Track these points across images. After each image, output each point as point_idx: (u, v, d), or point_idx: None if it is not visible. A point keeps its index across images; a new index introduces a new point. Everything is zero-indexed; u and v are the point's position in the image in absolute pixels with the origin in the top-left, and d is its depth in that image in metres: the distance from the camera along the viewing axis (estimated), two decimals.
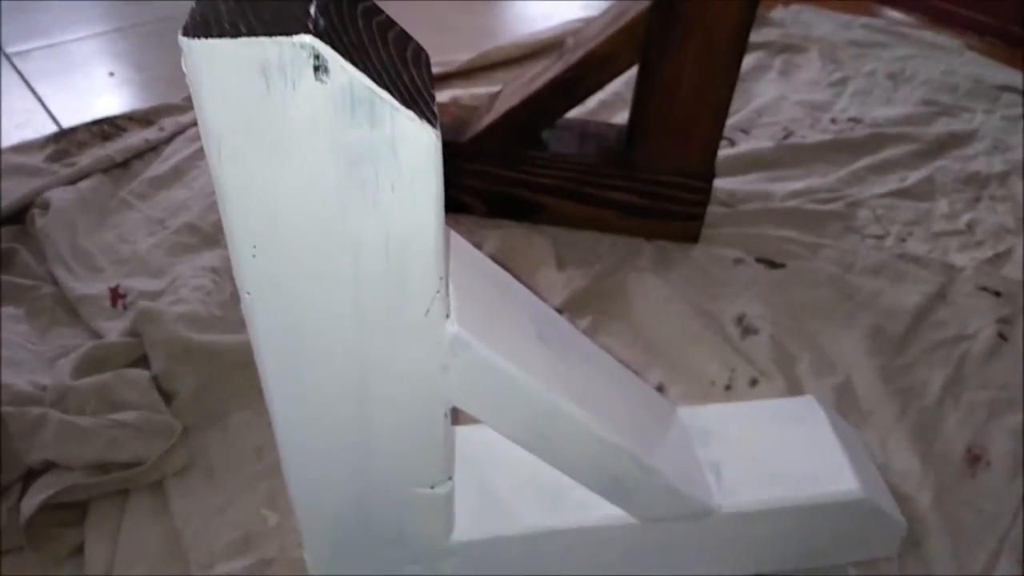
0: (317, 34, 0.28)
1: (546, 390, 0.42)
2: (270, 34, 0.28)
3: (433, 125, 0.31)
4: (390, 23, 0.35)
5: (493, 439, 0.46)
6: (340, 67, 0.28)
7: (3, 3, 1.32)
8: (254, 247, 0.33)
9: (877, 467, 0.60)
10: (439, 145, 0.31)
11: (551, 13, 1.37)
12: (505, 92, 0.86)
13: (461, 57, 1.16)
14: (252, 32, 0.28)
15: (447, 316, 0.37)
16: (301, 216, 0.32)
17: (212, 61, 0.28)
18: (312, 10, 0.29)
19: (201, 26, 0.28)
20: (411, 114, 0.30)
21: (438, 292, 0.36)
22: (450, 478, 0.45)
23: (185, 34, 0.28)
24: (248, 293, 0.34)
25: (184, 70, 0.29)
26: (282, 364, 0.38)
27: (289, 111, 0.29)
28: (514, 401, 0.42)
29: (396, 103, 0.29)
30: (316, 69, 0.28)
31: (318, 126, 0.30)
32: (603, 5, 1.38)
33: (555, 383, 0.43)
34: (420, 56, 0.35)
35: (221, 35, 0.28)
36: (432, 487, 0.45)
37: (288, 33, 0.28)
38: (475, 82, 1.14)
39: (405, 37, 0.35)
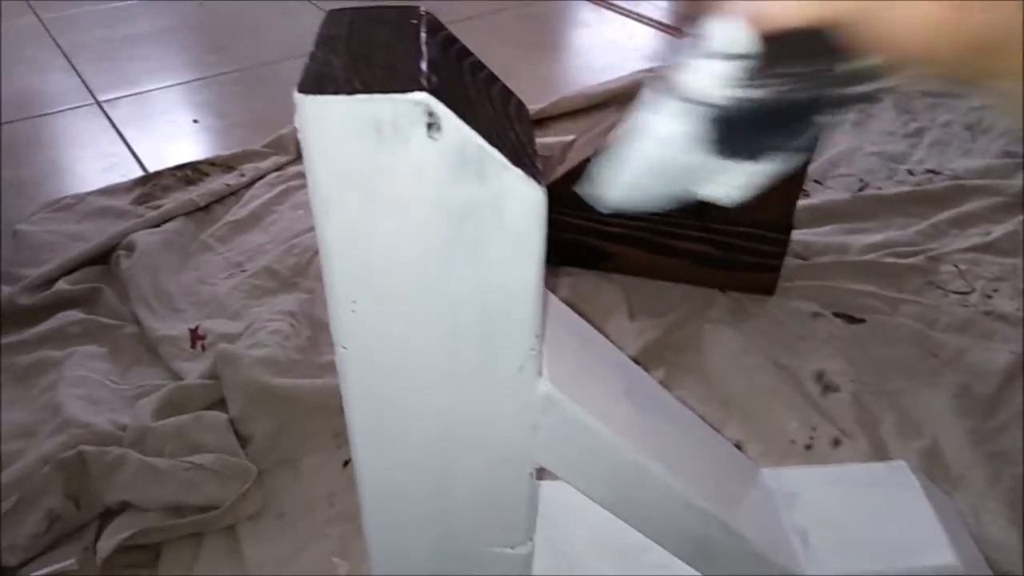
0: (431, 91, 0.28)
1: (634, 451, 0.41)
2: (385, 91, 0.28)
3: (539, 183, 0.30)
4: (493, 78, 0.35)
5: (570, 495, 0.44)
6: (453, 125, 0.28)
7: (98, 54, 1.39)
8: (354, 301, 0.33)
9: (972, 538, 0.57)
10: (545, 203, 0.31)
11: (617, 63, 1.38)
12: (579, 142, 0.86)
13: (529, 106, 1.18)
14: (367, 89, 0.28)
15: (540, 374, 0.37)
16: (403, 271, 0.32)
17: (326, 118, 0.28)
18: (424, 66, 0.29)
19: (315, 83, 0.29)
20: (519, 172, 0.30)
21: (533, 350, 0.35)
22: (531, 539, 0.44)
23: (301, 90, 0.28)
24: (344, 347, 0.34)
25: (296, 124, 0.29)
26: (371, 416, 0.38)
27: (399, 167, 0.29)
28: (601, 462, 0.41)
29: (506, 161, 0.29)
30: (429, 126, 0.28)
31: (427, 182, 0.30)
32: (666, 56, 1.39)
33: (643, 444, 0.42)
34: (522, 112, 0.35)
35: (336, 92, 0.28)
36: (512, 547, 0.44)
37: (403, 90, 0.28)
38: (546, 131, 1.15)
39: (507, 92, 0.35)
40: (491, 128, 0.30)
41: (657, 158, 0.33)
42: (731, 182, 0.34)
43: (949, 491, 0.65)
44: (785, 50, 0.29)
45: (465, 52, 0.34)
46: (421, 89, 0.28)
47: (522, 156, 0.31)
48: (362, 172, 0.29)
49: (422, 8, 0.33)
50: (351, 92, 0.28)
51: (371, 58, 0.30)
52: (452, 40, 0.34)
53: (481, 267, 0.32)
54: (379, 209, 0.30)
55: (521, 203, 0.31)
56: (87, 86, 1.29)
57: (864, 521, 0.52)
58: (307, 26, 0.33)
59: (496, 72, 0.36)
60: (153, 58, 1.39)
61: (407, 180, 0.30)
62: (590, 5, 1.63)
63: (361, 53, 0.30)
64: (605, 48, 1.46)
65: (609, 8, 1.61)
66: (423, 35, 0.32)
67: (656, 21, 1.55)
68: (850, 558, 0.50)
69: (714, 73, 0.30)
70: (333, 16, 0.33)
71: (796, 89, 0.30)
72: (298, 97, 0.28)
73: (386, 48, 0.30)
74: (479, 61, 0.34)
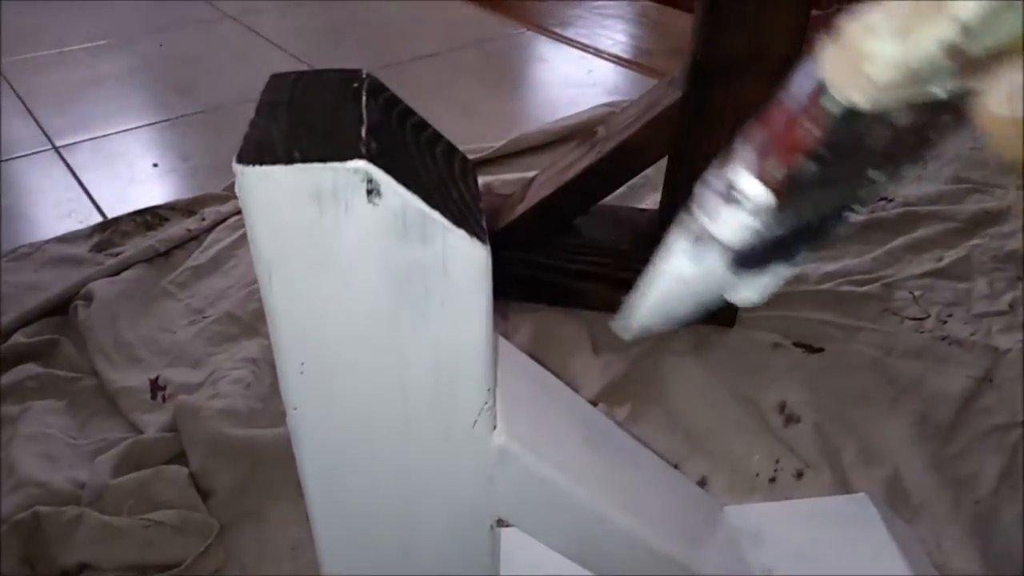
0: (370, 158, 0.28)
1: (594, 500, 0.41)
2: (324, 160, 0.28)
3: (483, 241, 0.31)
4: (437, 137, 0.35)
5: (533, 543, 0.44)
6: (392, 190, 0.29)
7: (57, 98, 1.38)
8: (302, 364, 0.33)
9: (935, 567, 0.58)
10: (489, 260, 0.31)
11: (576, 98, 1.40)
12: (539, 180, 0.87)
13: (488, 143, 1.19)
14: (306, 158, 0.28)
15: (494, 427, 0.37)
16: (350, 334, 0.32)
17: (266, 187, 0.29)
18: (363, 132, 0.30)
19: (255, 152, 0.29)
20: (463, 232, 0.30)
21: (486, 403, 0.35)
22: None
23: (240, 160, 0.28)
24: (295, 408, 0.34)
25: (237, 193, 0.29)
26: (326, 477, 0.37)
27: (341, 234, 0.29)
28: (562, 512, 0.41)
29: (447, 223, 0.30)
30: (369, 192, 0.29)
31: (370, 247, 0.30)
32: (628, 91, 1.41)
33: (603, 491, 0.42)
34: (467, 168, 0.35)
35: (275, 162, 0.28)
36: None
37: (342, 159, 0.28)
38: (506, 168, 1.15)
39: (451, 150, 0.35)
40: (433, 189, 0.30)
41: (681, 292, 0.33)
42: (758, 285, 0.34)
43: (911, 519, 0.66)
44: (806, 194, 0.29)
45: (408, 112, 0.34)
46: (360, 157, 0.28)
47: (466, 215, 0.31)
48: (305, 238, 0.29)
49: (364, 71, 0.34)
50: (290, 161, 0.28)
51: (311, 125, 0.30)
52: (395, 101, 0.34)
53: (429, 327, 0.32)
54: (323, 273, 0.31)
55: (465, 262, 0.31)
56: (44, 131, 1.28)
57: (828, 557, 0.53)
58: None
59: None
60: (113, 101, 1.39)
61: (350, 245, 0.30)
62: (549, 40, 1.66)
63: (301, 120, 0.30)
64: (564, 83, 1.48)
65: (567, 43, 1.64)
66: (364, 99, 0.32)
67: (614, 55, 1.58)
68: None
69: (737, 220, 0.30)
70: (275, 80, 0.34)
71: (822, 208, 0.30)
72: (237, 167, 0.28)
73: (327, 114, 0.31)
74: (422, 121, 0.35)
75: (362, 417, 0.35)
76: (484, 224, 0.32)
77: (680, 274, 0.33)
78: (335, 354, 0.32)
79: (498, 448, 0.37)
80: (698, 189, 0.32)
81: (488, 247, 0.31)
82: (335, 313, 0.31)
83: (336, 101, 0.32)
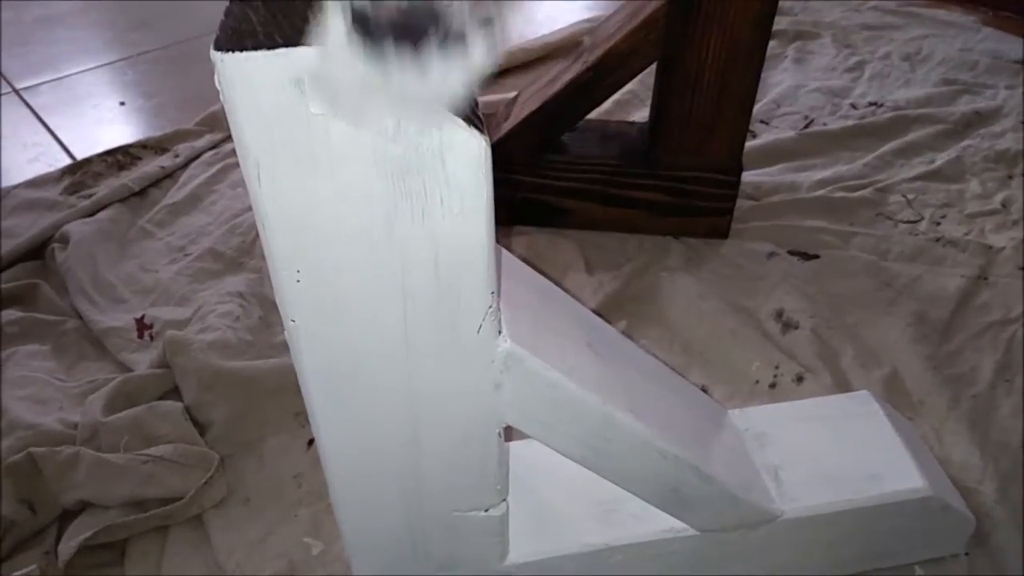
0: None
1: (601, 403, 0.40)
2: (308, 43, 0.26)
3: (482, 132, 0.29)
4: None
5: (541, 453, 0.44)
6: None
7: (9, 39, 1.32)
8: (298, 271, 0.31)
9: (936, 460, 0.58)
10: (489, 153, 0.29)
11: (556, 16, 1.36)
12: (523, 97, 0.84)
13: None
14: (288, 42, 0.26)
15: (499, 332, 0.35)
16: (346, 235, 0.30)
17: (246, 75, 0.26)
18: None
19: (233, 38, 0.27)
20: (460, 121, 0.28)
21: (490, 307, 0.34)
22: (504, 500, 0.43)
23: (217, 48, 0.26)
24: (293, 320, 0.33)
25: (217, 86, 0.27)
26: (329, 391, 0.36)
27: (330, 124, 0.27)
28: (570, 416, 0.40)
29: (443, 110, 0.28)
30: None
31: (361, 138, 0.28)
32: (607, 5, 1.37)
33: (610, 395, 0.41)
34: None
35: (256, 47, 0.26)
36: (486, 510, 0.43)
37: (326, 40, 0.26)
38: (487, 89, 1.12)
39: None
40: None
41: None
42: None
43: (911, 417, 0.66)
44: None
45: None
46: None
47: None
48: (292, 131, 0.28)
49: None
50: (272, 46, 0.26)
51: (291, 9, 0.28)
52: None
53: (428, 225, 0.31)
54: (315, 171, 0.29)
55: (465, 155, 0.29)
56: (1, 73, 1.22)
57: (833, 453, 0.53)
58: None
59: None
60: (71, 40, 1.33)
61: (341, 138, 0.28)
62: None
63: (280, 5, 0.28)
64: (542, 1, 1.43)
65: None
66: None
67: None
68: (822, 491, 0.51)
69: None
70: None
71: None
72: (216, 55, 0.26)
73: None
74: None
75: (364, 325, 0.33)
76: (481, 116, 0.31)
77: None
78: (332, 258, 0.31)
79: (504, 353, 0.36)
80: None
81: (487, 138, 0.29)
82: (329, 214, 0.30)
83: None
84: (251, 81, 0.26)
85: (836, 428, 0.54)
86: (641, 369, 0.48)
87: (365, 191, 0.29)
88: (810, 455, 0.52)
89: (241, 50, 0.26)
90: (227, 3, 0.28)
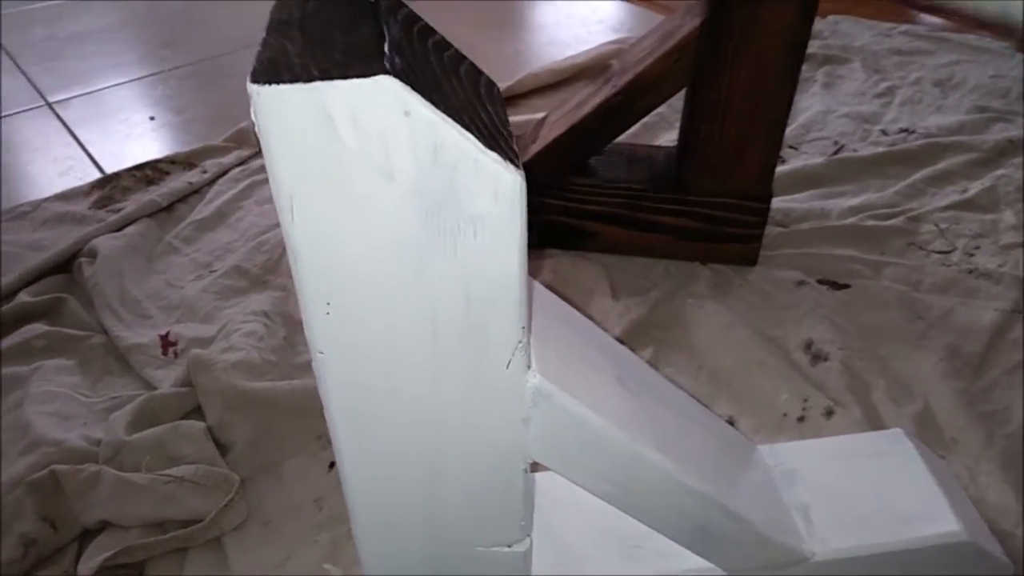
0: (396, 74, 0.26)
1: (629, 440, 0.39)
2: (346, 76, 0.26)
3: (516, 166, 0.28)
4: (460, 57, 0.33)
5: (563, 486, 0.43)
6: (419, 110, 0.26)
7: (43, 54, 1.34)
8: (328, 304, 0.31)
9: (970, 501, 0.56)
10: (524, 187, 0.29)
11: (583, 36, 1.36)
12: (550, 119, 0.84)
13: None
14: (325, 75, 0.26)
15: (529, 367, 0.35)
16: (378, 269, 0.30)
17: (283, 108, 0.26)
18: (386, 47, 0.27)
19: (270, 71, 0.26)
20: (495, 156, 0.28)
21: (520, 342, 0.33)
22: (528, 536, 0.42)
23: (254, 80, 0.26)
24: (321, 352, 0.32)
25: (252, 118, 0.27)
26: (355, 422, 0.36)
27: (364, 159, 0.27)
28: (597, 453, 0.39)
29: (480, 145, 0.27)
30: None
31: (396, 174, 0.27)
32: (634, 27, 1.37)
33: (638, 431, 0.40)
34: (493, 91, 0.33)
35: (292, 80, 0.26)
36: (509, 546, 0.42)
37: (364, 75, 0.26)
38: (514, 109, 1.12)
39: (476, 72, 0.33)
40: (461, 111, 0.28)
41: None
42: None
43: (944, 454, 0.64)
44: None
45: (429, 31, 0.32)
46: (384, 72, 0.26)
47: (496, 139, 0.29)
48: (327, 164, 0.27)
49: None
50: (308, 79, 0.26)
51: (329, 42, 0.27)
52: (414, 19, 0.32)
53: (460, 259, 0.30)
54: (347, 203, 0.28)
55: (498, 189, 0.29)
56: (35, 87, 1.24)
57: (865, 493, 0.51)
58: (261, 16, 0.30)
59: (462, 52, 0.33)
60: (103, 55, 1.34)
61: (375, 171, 0.28)
62: None
63: (317, 37, 0.28)
64: (569, 22, 1.43)
65: None
66: (384, 14, 0.29)
67: None
68: (854, 532, 0.49)
69: None
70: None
71: None
72: (252, 87, 0.26)
73: (344, 30, 0.28)
74: (444, 39, 0.32)
75: (392, 359, 0.33)
76: (516, 148, 0.30)
77: None
78: (362, 292, 0.30)
79: (533, 388, 0.35)
80: None
81: (522, 172, 0.29)
82: (361, 248, 0.29)
83: (353, 17, 0.29)
84: (287, 114, 0.26)
85: (868, 467, 0.53)
86: (669, 404, 0.47)
87: (398, 226, 0.29)
88: (841, 494, 0.51)
89: (278, 82, 0.26)
90: (264, 35, 0.28)
